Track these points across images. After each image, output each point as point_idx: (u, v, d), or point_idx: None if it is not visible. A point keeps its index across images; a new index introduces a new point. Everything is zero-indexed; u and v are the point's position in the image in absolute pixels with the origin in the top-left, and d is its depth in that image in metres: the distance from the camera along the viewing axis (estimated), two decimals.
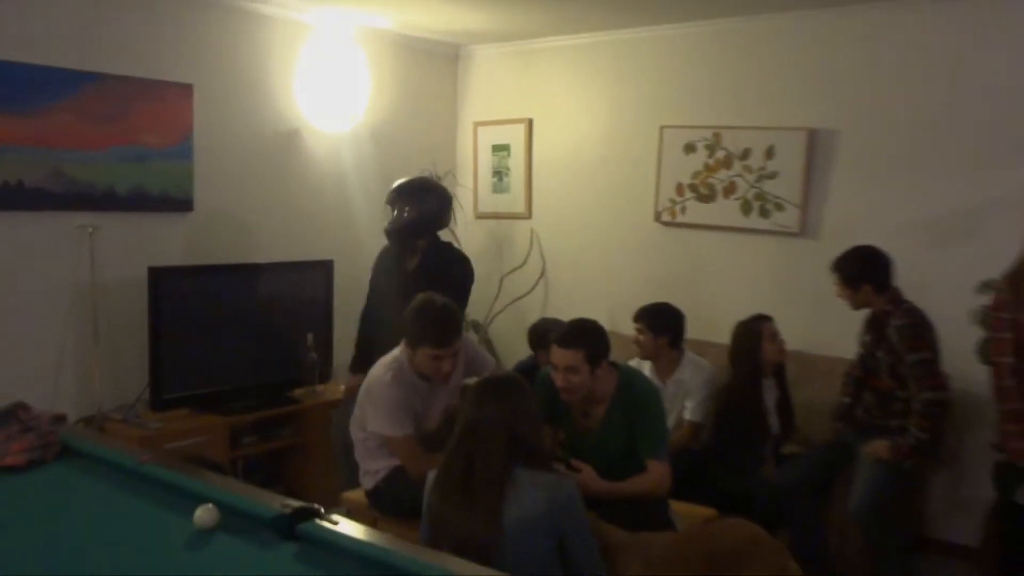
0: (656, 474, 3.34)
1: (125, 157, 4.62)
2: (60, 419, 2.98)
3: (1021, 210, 3.59)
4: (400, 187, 4.57)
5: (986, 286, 4.15)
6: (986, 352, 3.89)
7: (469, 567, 2.01)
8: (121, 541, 2.20)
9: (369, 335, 4.58)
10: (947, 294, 4.37)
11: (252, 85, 5.23)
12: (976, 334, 4.17)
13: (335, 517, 2.19)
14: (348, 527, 2.16)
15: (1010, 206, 4.25)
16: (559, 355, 3.33)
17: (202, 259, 4.89)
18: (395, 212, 4.50)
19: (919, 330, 4.03)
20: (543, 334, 4.62)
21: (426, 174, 5.82)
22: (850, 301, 4.21)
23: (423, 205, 4.51)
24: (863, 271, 4.12)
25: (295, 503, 2.22)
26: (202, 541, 2.15)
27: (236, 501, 2.29)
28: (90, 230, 4.48)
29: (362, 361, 4.37)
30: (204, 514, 2.18)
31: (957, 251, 4.66)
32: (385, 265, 4.61)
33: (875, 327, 4.21)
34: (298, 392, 5.05)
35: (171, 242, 4.85)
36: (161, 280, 4.49)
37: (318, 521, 2.17)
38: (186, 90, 4.86)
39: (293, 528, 2.14)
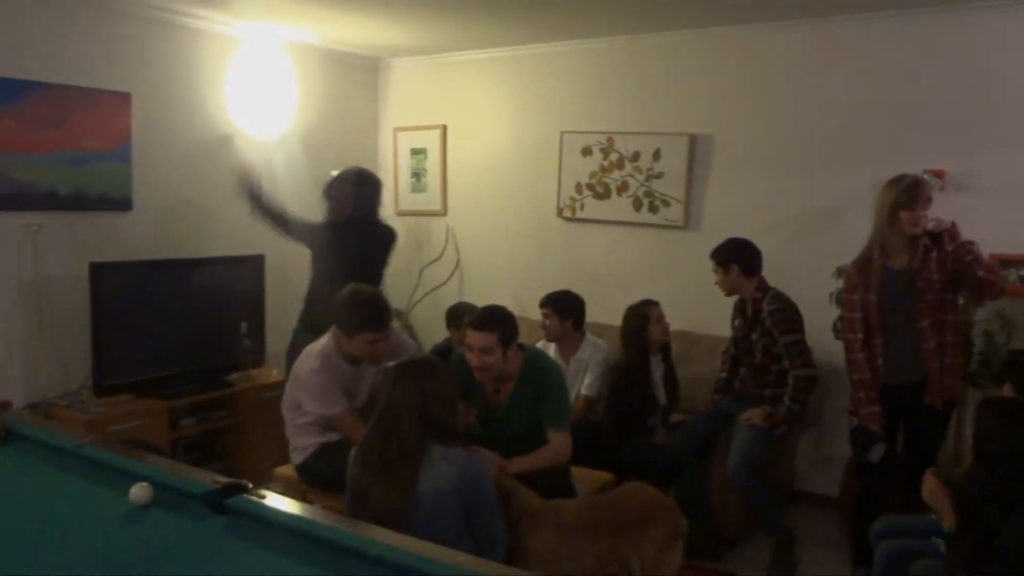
0: (557, 444, 3.38)
1: (67, 160, 4.46)
2: (5, 406, 2.89)
3: (868, 204, 3.74)
4: (351, 174, 4.62)
5: (841, 271, 4.30)
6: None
7: (384, 534, 2.00)
8: (61, 518, 2.14)
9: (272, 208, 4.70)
10: (809, 278, 4.52)
11: (187, 93, 5.10)
12: (834, 313, 4.31)
13: (262, 491, 2.16)
14: (274, 500, 2.13)
15: (860, 201, 4.40)
16: (474, 337, 3.34)
17: (141, 255, 4.75)
18: (345, 200, 4.53)
19: (790, 314, 4.14)
20: (459, 314, 4.65)
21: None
22: (722, 286, 4.30)
23: (371, 189, 4.63)
24: (732, 254, 4.23)
25: (224, 479, 2.18)
26: (137, 516, 2.10)
27: (170, 479, 2.25)
28: (34, 229, 4.33)
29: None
30: (139, 491, 2.13)
31: (817, 241, 4.81)
32: (331, 247, 4.56)
33: (744, 312, 4.32)
34: (233, 376, 4.94)
35: (111, 239, 4.70)
36: (102, 275, 4.36)
37: (246, 496, 2.14)
38: (125, 98, 4.72)
39: (223, 502, 2.11)
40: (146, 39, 4.86)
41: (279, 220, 4.69)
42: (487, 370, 3.35)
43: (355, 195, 4.56)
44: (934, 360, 3.60)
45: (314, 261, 4.67)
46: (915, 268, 3.59)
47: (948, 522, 2.85)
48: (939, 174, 4.42)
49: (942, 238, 3.54)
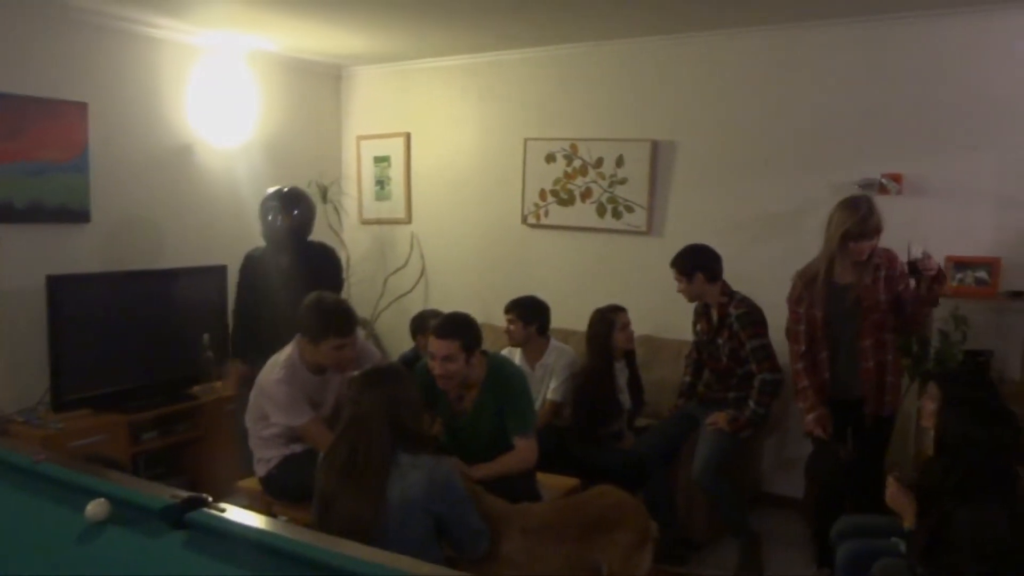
0: (523, 451, 3.38)
1: (23, 172, 4.40)
2: None
3: (825, 209, 3.79)
4: (282, 194, 4.54)
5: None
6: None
7: (348, 545, 1.98)
8: (15, 536, 2.09)
9: (250, 329, 4.52)
10: (768, 282, 4.53)
11: (146, 103, 5.04)
12: None
13: (222, 505, 2.13)
14: (235, 514, 2.10)
15: (817, 206, 4.45)
16: (436, 345, 3.33)
17: (100, 267, 4.68)
18: (278, 216, 4.48)
19: (757, 318, 4.17)
20: (425, 322, 4.62)
21: (313, 185, 5.75)
22: (686, 294, 4.30)
23: (304, 208, 4.57)
24: (695, 262, 4.23)
25: (184, 493, 2.15)
26: (94, 533, 2.05)
27: (128, 494, 2.20)
28: None
29: (245, 351, 4.48)
30: (95, 508, 2.09)
31: (776, 245, 4.86)
32: (262, 268, 4.52)
33: (708, 316, 4.34)
34: (196, 389, 4.88)
35: (70, 251, 4.63)
36: (59, 287, 4.28)
37: (206, 509, 2.10)
38: (81, 108, 4.66)
39: (182, 517, 2.07)
40: (103, 49, 4.80)
41: (247, 319, 4.60)
42: (450, 378, 3.33)
43: (303, 214, 4.54)
44: (872, 379, 3.70)
45: (244, 292, 4.61)
46: (862, 288, 3.65)
47: (909, 523, 2.90)
48: (897, 178, 4.49)
49: (918, 269, 3.56)
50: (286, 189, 4.60)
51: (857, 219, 3.60)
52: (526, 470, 3.40)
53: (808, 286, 3.76)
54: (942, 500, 2.71)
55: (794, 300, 3.83)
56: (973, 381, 3.54)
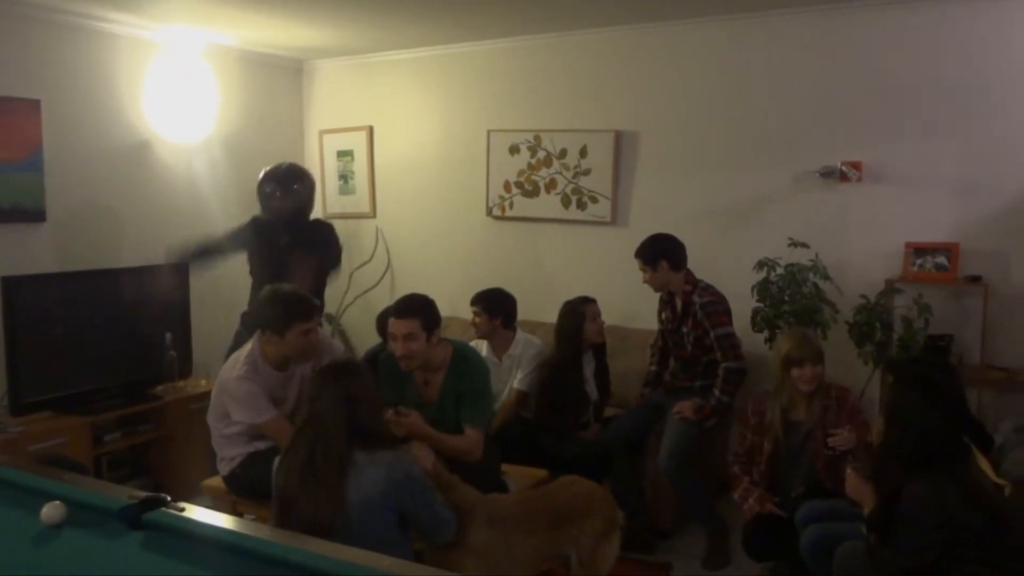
0: (471, 439, 3.39)
1: None
2: None
3: (786, 200, 3.83)
4: (283, 170, 4.57)
5: (763, 264, 4.39)
6: (760, 322, 4.12)
7: (309, 541, 1.98)
8: None
9: (203, 253, 4.65)
10: (732, 271, 4.59)
11: (101, 99, 4.97)
12: (755, 305, 4.40)
13: (181, 504, 2.11)
14: (194, 513, 2.09)
15: (779, 196, 4.51)
16: (396, 325, 3.36)
17: (57, 267, 4.62)
18: (278, 193, 4.48)
19: (721, 306, 4.20)
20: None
21: None
22: (652, 283, 4.32)
23: (305, 186, 4.60)
24: (659, 250, 4.26)
25: (142, 494, 2.13)
26: (50, 536, 2.04)
27: (85, 496, 2.19)
28: None
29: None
30: (51, 510, 2.07)
31: (739, 235, 4.90)
32: (264, 236, 4.53)
33: (672, 305, 4.37)
34: (159, 389, 4.83)
35: (25, 252, 4.56)
36: (15, 289, 4.20)
37: (165, 509, 2.09)
38: (34, 105, 4.58)
39: (140, 518, 2.06)
40: (56, 45, 4.72)
41: (214, 254, 4.62)
42: (412, 358, 3.36)
43: (280, 192, 4.52)
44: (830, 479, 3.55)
45: (250, 261, 4.64)
46: (813, 425, 3.57)
47: (870, 510, 2.95)
48: (856, 166, 4.54)
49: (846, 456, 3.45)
50: (286, 165, 4.62)
51: (794, 343, 3.58)
52: (466, 460, 3.34)
53: (761, 417, 3.70)
54: (894, 477, 2.76)
55: (743, 417, 3.78)
56: (924, 360, 3.62)
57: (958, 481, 2.65)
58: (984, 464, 3.01)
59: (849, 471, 3.10)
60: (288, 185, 4.52)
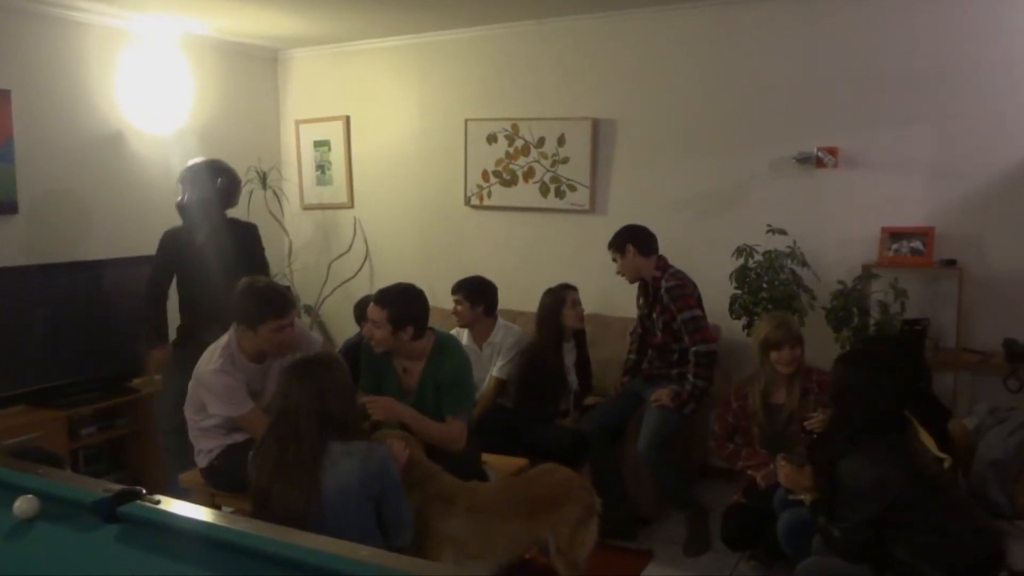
0: (452, 429, 3.38)
1: None
2: None
3: (764, 187, 3.85)
4: (199, 165, 4.43)
5: (741, 251, 4.41)
6: (738, 309, 4.13)
7: (285, 532, 1.97)
8: None
9: (162, 312, 4.40)
10: (711, 258, 4.61)
11: (73, 90, 4.90)
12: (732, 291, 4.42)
13: (156, 497, 2.10)
14: (169, 505, 2.08)
15: (756, 183, 4.52)
16: (371, 309, 3.41)
17: (29, 259, 4.55)
18: (192, 188, 4.35)
19: (685, 290, 4.19)
20: (365, 308, 4.59)
21: (252, 171, 5.67)
22: (623, 270, 4.32)
23: (228, 178, 4.45)
24: (626, 236, 4.27)
25: (116, 487, 2.11)
26: (23, 530, 2.02)
27: (59, 490, 2.17)
28: None
29: (163, 335, 4.38)
30: (23, 504, 2.05)
31: (717, 221, 4.91)
32: (187, 245, 4.35)
33: (646, 292, 4.39)
34: (136, 382, 4.79)
35: None
36: None
37: (139, 502, 2.07)
38: (3, 96, 4.50)
39: (114, 511, 2.04)
40: (26, 34, 4.65)
41: (161, 292, 4.43)
42: (375, 343, 3.40)
43: (225, 184, 4.41)
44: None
45: (155, 270, 4.44)
46: (794, 408, 3.65)
47: (810, 496, 3.01)
48: (832, 151, 4.56)
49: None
50: (207, 159, 4.49)
51: (773, 326, 3.67)
52: (449, 448, 3.34)
53: (742, 402, 3.78)
54: (831, 453, 2.82)
55: (723, 402, 3.88)
56: (872, 338, 3.68)
57: (891, 449, 2.72)
58: (925, 437, 3.07)
59: (781, 460, 3.14)
60: (212, 177, 4.37)
